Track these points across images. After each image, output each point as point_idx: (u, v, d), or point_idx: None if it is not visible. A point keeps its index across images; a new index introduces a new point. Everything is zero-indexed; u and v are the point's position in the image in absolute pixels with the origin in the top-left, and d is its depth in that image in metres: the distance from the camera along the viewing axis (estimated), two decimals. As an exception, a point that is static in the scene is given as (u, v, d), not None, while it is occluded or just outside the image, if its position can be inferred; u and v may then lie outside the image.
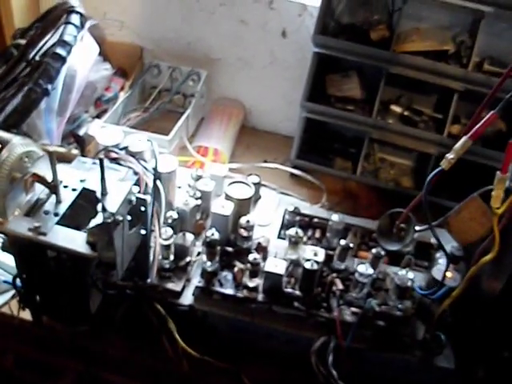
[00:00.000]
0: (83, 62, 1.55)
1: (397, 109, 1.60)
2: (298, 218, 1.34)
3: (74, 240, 0.97)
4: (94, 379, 1.36)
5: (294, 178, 1.63)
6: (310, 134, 1.67)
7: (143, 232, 1.10)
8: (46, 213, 1.01)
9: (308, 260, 1.15)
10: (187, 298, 1.20)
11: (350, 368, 1.12)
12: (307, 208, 1.39)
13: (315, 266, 1.14)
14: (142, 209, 1.06)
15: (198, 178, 1.33)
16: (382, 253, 1.21)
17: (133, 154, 1.20)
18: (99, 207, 0.97)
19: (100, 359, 1.30)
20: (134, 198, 1.03)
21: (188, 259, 1.22)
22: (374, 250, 1.21)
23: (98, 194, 0.99)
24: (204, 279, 1.19)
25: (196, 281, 1.20)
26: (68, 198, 1.04)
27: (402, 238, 1.16)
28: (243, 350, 1.21)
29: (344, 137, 1.70)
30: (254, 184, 1.35)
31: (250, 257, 1.17)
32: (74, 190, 1.05)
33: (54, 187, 1.02)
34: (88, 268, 1.01)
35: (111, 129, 1.28)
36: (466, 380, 1.15)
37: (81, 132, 1.61)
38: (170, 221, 1.21)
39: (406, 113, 1.60)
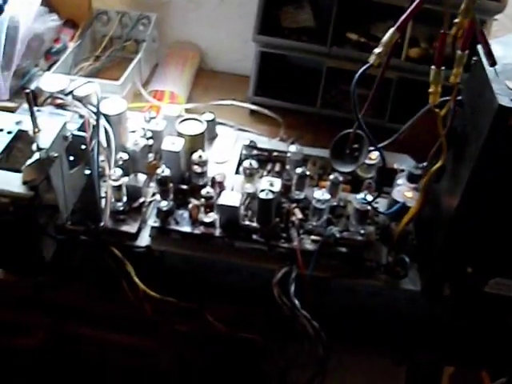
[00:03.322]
0: (25, 12, 1.49)
1: (352, 36, 1.55)
2: (255, 152, 1.31)
3: (11, 181, 0.93)
4: (62, 332, 1.34)
5: (254, 116, 1.59)
6: (268, 70, 1.63)
7: (87, 172, 1.06)
8: (-21, 157, 0.97)
9: (263, 190, 1.12)
10: (144, 240, 1.17)
11: (313, 297, 1.10)
12: (265, 142, 1.36)
13: (270, 196, 1.11)
14: (82, 147, 1.02)
15: (151, 119, 1.30)
16: (340, 178, 1.19)
17: (79, 99, 1.17)
18: (34, 146, 0.93)
19: (64, 310, 1.27)
20: (69, 135, 0.99)
21: (142, 200, 1.19)
22: (331, 176, 1.19)
23: (31, 133, 0.95)
24: (159, 219, 1.16)
25: (152, 221, 1.17)
26: (3, 140, 0.99)
27: (356, 159, 1.12)
28: (205, 289, 1.18)
29: (303, 71, 1.65)
30: (208, 121, 1.31)
31: (203, 191, 1.14)
32: (9, 132, 1.01)
33: (-15, 130, 0.98)
34: (31, 211, 0.98)
35: (57, 77, 1.24)
36: (433, 300, 1.13)
37: (32, 86, 1.56)
38: (120, 162, 1.18)
39: (361, 39, 1.55)
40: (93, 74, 1.62)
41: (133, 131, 1.29)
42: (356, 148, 1.12)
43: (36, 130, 0.94)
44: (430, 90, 0.90)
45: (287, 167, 1.28)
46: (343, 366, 1.28)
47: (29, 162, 0.92)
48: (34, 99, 1.54)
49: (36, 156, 0.92)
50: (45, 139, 0.94)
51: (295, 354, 1.15)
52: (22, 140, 1.00)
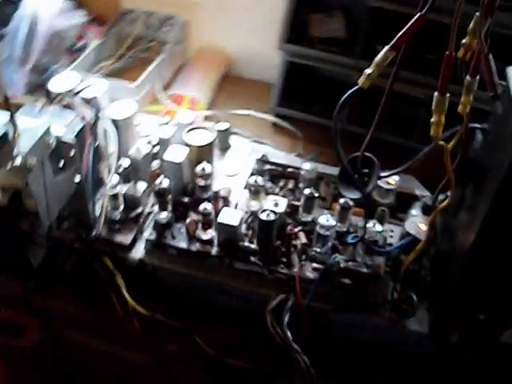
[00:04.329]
0: (47, 9, 1.46)
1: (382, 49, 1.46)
2: (267, 166, 1.24)
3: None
4: (55, 336, 1.30)
5: (276, 127, 1.52)
6: (295, 80, 1.56)
7: (77, 179, 1.01)
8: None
9: (264, 210, 1.04)
10: (138, 252, 1.11)
11: (308, 329, 1.02)
12: (280, 157, 1.28)
13: (271, 217, 1.03)
14: (72, 153, 0.97)
15: (162, 125, 1.25)
16: (351, 203, 1.10)
17: (87, 100, 1.12)
18: (15, 151, 0.88)
19: (55, 316, 1.22)
20: (52, 140, 0.94)
21: (139, 210, 1.13)
22: (341, 200, 1.10)
23: (11, 137, 0.90)
24: (156, 231, 1.10)
25: (148, 233, 1.11)
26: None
27: (366, 185, 1.04)
28: (196, 308, 1.12)
29: (331, 83, 1.57)
30: (221, 131, 1.25)
31: (201, 207, 1.07)
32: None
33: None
34: (8, 217, 0.93)
35: (70, 76, 1.20)
36: (439, 345, 1.04)
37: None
38: (120, 169, 1.13)
39: (393, 55, 1.45)
40: (114, 74, 1.57)
41: (146, 136, 1.23)
42: (366, 173, 1.03)
43: (16, 134, 0.89)
44: (433, 120, 0.81)
45: (300, 185, 1.20)
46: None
47: (6, 167, 0.87)
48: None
49: (15, 161, 0.87)
50: (25, 144, 0.88)
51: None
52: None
